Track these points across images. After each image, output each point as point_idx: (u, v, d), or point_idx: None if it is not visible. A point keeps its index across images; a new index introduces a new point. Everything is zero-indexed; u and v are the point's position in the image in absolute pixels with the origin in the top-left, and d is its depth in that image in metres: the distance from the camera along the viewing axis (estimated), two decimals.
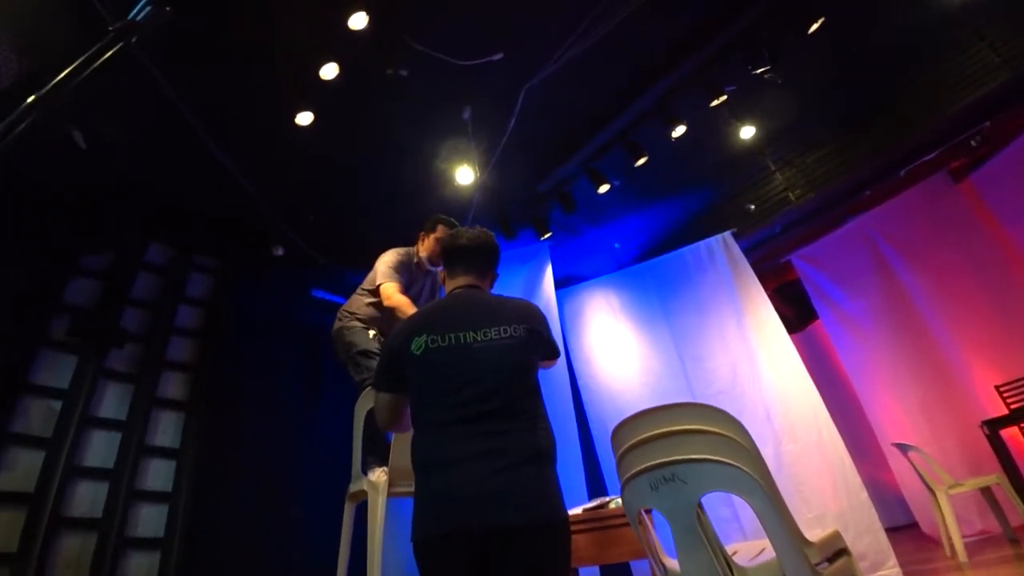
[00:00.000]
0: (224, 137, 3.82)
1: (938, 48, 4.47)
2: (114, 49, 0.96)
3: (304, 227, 4.80)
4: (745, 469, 1.49)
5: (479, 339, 1.68)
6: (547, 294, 4.85)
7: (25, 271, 4.05)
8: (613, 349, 5.15)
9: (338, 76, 3.45)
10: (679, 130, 4.24)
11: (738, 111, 4.60)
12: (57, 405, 3.86)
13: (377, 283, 3.02)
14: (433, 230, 3.17)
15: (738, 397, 4.55)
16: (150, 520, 3.95)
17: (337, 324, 3.13)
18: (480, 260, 1.95)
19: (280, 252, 4.91)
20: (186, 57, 3.30)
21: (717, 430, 1.57)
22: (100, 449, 3.92)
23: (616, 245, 5.60)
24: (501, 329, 1.71)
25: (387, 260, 3.10)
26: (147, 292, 4.60)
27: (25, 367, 3.86)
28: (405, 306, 2.82)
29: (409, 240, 3.32)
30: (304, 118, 3.70)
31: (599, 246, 5.56)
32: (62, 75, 1.01)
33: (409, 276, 3.10)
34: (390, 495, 2.57)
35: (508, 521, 1.48)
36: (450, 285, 1.92)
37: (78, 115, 3.37)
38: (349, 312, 3.11)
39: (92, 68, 0.99)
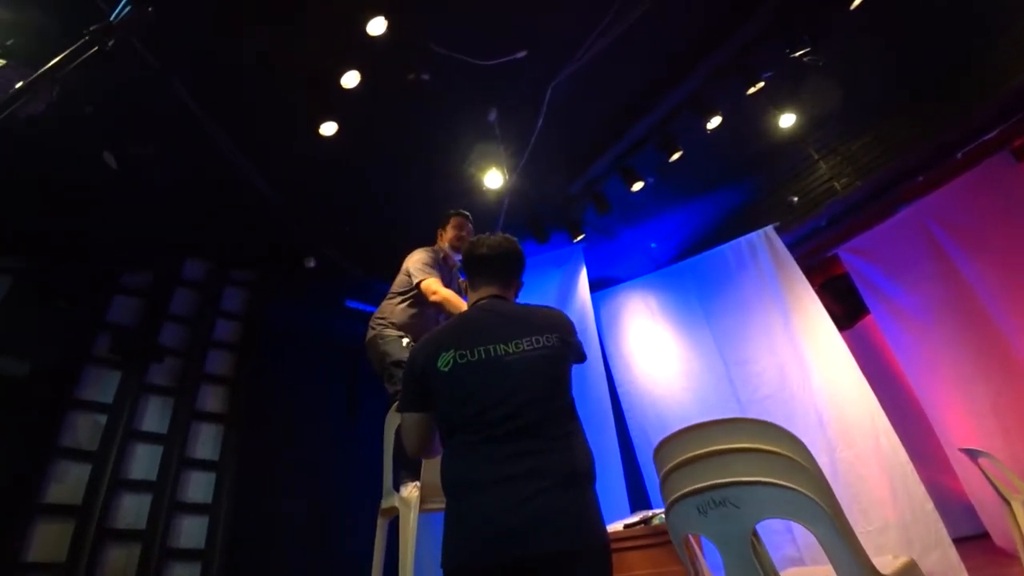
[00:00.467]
0: (252, 150, 3.84)
1: (998, 14, 4.12)
2: (91, 51, 0.92)
3: (336, 238, 4.80)
4: (807, 493, 1.34)
5: (511, 351, 1.58)
6: (582, 297, 4.71)
7: (71, 294, 4.18)
8: (652, 353, 4.96)
9: (360, 84, 3.41)
10: (714, 121, 4.04)
11: (776, 98, 4.36)
12: (102, 419, 3.97)
13: (416, 281, 2.94)
14: (447, 222, 3.26)
15: (787, 401, 4.31)
16: (192, 531, 4.00)
17: (371, 333, 3.05)
18: (504, 269, 1.83)
19: (312, 264, 4.93)
20: (211, 75, 3.33)
21: (774, 449, 1.41)
22: (143, 462, 4.00)
23: (652, 245, 5.41)
24: (534, 339, 1.61)
25: (418, 258, 3.04)
26: (185, 307, 4.68)
27: (72, 383, 3.98)
28: (455, 298, 2.77)
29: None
30: (328, 128, 3.68)
31: (635, 246, 5.39)
32: (36, 74, 0.97)
33: (441, 272, 3.03)
34: (422, 511, 2.49)
35: (546, 549, 1.38)
36: (473, 297, 1.81)
37: (111, 136, 3.43)
38: (382, 318, 3.04)
39: (72, 66, 0.95)
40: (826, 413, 4.19)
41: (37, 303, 4.03)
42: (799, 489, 1.37)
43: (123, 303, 4.43)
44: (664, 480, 1.63)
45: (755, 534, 1.44)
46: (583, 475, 1.52)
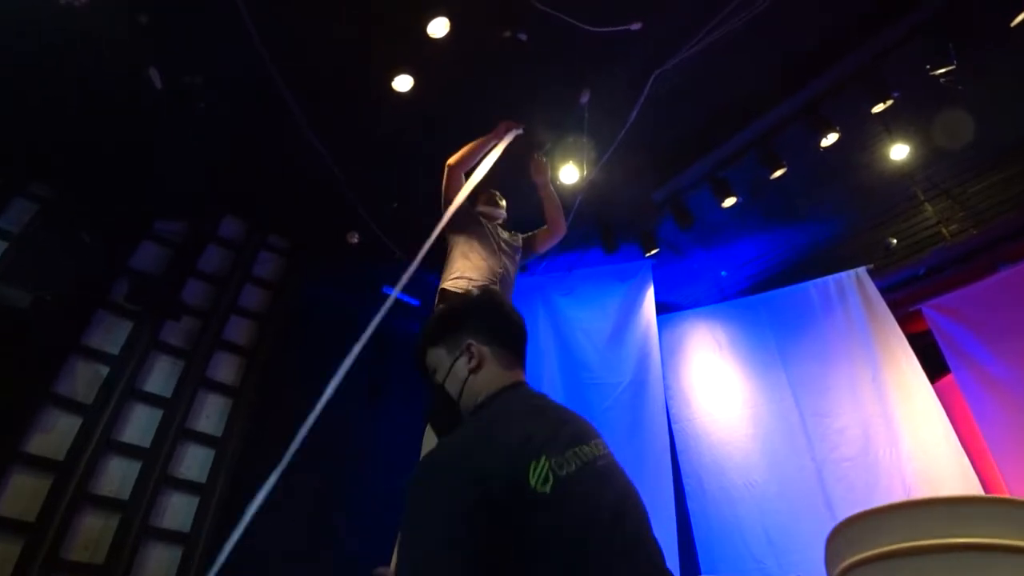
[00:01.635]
0: (314, 103, 3.51)
1: None
2: None
3: (384, 216, 4.42)
4: None
5: (599, 453, 1.10)
6: (647, 318, 4.21)
7: (97, 231, 3.87)
8: (716, 391, 4.41)
9: (448, 35, 3.04)
10: (830, 138, 3.58)
11: (894, 124, 3.89)
12: (104, 371, 3.59)
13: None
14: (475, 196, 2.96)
15: (870, 466, 3.74)
16: (179, 511, 3.55)
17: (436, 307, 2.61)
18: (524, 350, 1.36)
19: (355, 239, 4.56)
20: (281, 11, 3.01)
21: None
22: (139, 425, 3.60)
23: (723, 273, 4.91)
24: (603, 443, 1.16)
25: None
26: (214, 266, 4.33)
27: (80, 327, 3.63)
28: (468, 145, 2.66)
29: None
30: (402, 82, 3.31)
31: (704, 271, 4.88)
32: None
33: (479, 229, 2.78)
34: None
35: None
36: (500, 379, 1.24)
37: (164, 58, 3.12)
38: (442, 281, 2.61)
39: None
40: (916, 487, 3.62)
41: (59, 235, 3.72)
42: None
43: (150, 250, 4.09)
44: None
45: None
46: None
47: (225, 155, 3.97)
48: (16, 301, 3.29)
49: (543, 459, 0.97)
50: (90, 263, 3.80)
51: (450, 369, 1.27)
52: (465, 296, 1.42)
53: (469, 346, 1.26)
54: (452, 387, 1.27)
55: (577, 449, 1.05)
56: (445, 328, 1.32)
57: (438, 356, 1.31)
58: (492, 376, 1.25)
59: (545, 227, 2.97)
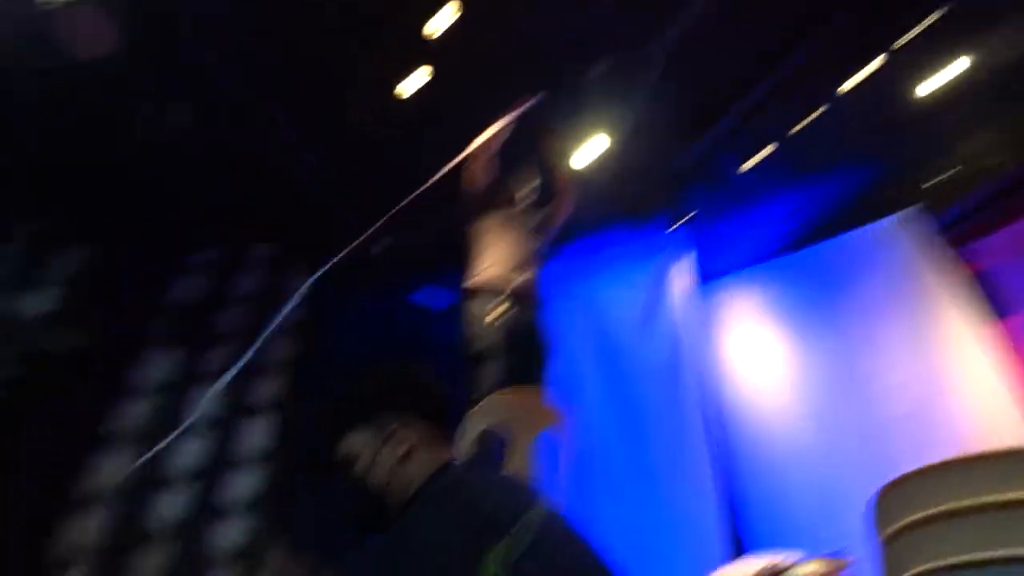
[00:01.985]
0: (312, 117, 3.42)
1: None
2: None
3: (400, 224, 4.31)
4: None
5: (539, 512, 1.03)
6: (680, 291, 4.05)
7: (132, 269, 3.94)
8: (759, 359, 4.25)
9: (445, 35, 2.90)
10: (868, 69, 3.25)
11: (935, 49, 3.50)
12: (150, 406, 3.67)
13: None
14: None
15: (926, 424, 3.53)
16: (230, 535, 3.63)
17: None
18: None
19: (380, 250, 4.50)
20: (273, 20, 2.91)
21: None
22: (188, 455, 3.67)
23: (760, 233, 4.64)
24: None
25: None
26: (246, 290, 4.36)
27: (125, 367, 3.73)
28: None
29: None
30: (405, 87, 3.19)
31: (739, 235, 4.61)
32: None
33: None
34: None
35: None
36: (431, 464, 1.15)
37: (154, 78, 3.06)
38: (476, 280, 2.55)
39: None
40: (972, 445, 3.41)
41: (97, 278, 3.76)
42: None
43: (184, 282, 4.16)
44: (893, 539, 1.10)
45: None
46: None
47: (241, 180, 3.93)
48: (59, 347, 3.38)
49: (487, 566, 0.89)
50: (129, 302, 3.89)
51: (374, 459, 1.15)
52: (382, 376, 1.29)
53: (395, 431, 1.16)
54: (377, 479, 1.14)
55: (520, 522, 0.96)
56: (363, 410, 1.20)
57: (354, 444, 1.18)
58: (423, 463, 1.15)
59: (555, 200, 3.02)
